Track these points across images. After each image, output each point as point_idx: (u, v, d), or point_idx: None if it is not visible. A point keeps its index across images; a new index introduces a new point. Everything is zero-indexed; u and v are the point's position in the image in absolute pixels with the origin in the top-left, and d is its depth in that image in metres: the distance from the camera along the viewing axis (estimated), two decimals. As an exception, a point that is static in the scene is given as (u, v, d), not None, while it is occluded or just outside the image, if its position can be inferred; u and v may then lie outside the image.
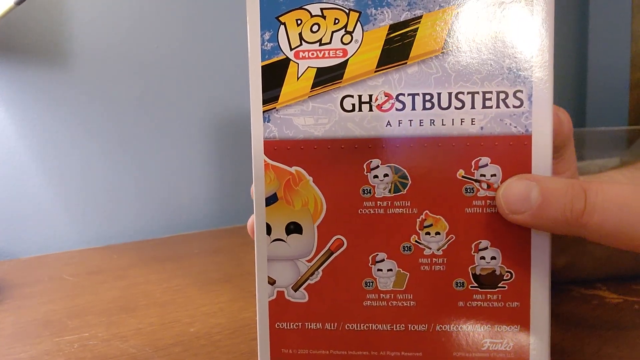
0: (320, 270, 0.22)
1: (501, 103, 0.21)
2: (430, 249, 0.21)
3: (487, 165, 0.21)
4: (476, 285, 0.21)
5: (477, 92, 0.21)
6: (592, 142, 0.83)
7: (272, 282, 0.22)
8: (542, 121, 0.21)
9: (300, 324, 0.22)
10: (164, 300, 0.39)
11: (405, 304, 0.22)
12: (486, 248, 0.21)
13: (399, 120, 0.21)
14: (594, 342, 0.28)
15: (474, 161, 0.21)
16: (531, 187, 0.19)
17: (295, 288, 0.22)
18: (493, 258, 0.21)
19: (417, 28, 0.21)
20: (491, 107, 0.21)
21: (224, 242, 0.60)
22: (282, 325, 0.22)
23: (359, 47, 0.21)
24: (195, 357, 0.29)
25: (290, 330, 0.22)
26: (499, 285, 0.21)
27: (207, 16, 0.72)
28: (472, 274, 0.21)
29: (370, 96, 0.21)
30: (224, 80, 0.74)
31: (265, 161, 0.22)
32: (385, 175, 0.21)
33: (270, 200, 0.22)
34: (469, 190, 0.21)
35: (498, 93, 0.21)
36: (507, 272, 0.21)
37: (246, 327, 0.33)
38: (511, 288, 0.21)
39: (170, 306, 0.37)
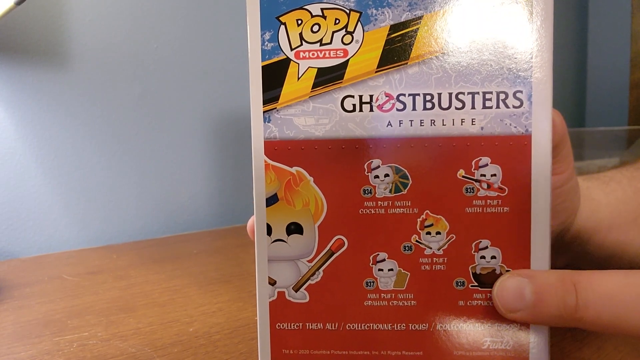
0: (321, 270, 0.22)
1: (501, 103, 0.21)
2: (431, 248, 0.21)
3: (487, 165, 0.21)
4: (476, 284, 0.21)
5: (478, 93, 0.21)
6: (591, 142, 0.83)
7: (272, 282, 0.22)
8: (541, 121, 0.21)
9: (300, 324, 0.22)
10: (163, 300, 0.39)
11: (406, 304, 0.22)
12: (486, 247, 0.21)
13: (400, 121, 0.21)
14: (594, 342, 0.29)
15: (474, 161, 0.21)
16: (524, 285, 0.19)
17: (296, 288, 0.22)
18: (493, 257, 0.21)
19: (418, 28, 0.21)
20: (491, 107, 0.21)
21: (224, 242, 0.60)
22: (282, 325, 0.22)
23: (359, 47, 0.21)
24: (194, 356, 0.29)
25: (291, 330, 0.22)
26: None
27: (206, 16, 0.72)
28: (472, 273, 0.21)
29: (371, 96, 0.21)
30: (223, 81, 0.74)
31: (265, 161, 0.22)
32: (386, 175, 0.21)
33: (271, 200, 0.22)
34: (469, 190, 0.21)
35: (498, 93, 0.21)
36: (507, 271, 0.21)
37: (245, 327, 0.33)
38: None
39: (170, 306, 0.37)
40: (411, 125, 0.21)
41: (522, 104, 0.21)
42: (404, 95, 0.21)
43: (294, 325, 0.22)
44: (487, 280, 0.21)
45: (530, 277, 0.20)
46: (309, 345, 0.22)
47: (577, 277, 0.19)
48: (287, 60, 0.21)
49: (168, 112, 0.69)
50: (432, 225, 0.21)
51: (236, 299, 0.39)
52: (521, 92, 0.21)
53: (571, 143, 0.29)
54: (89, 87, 0.63)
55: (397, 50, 0.21)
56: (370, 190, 0.21)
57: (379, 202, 0.21)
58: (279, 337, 0.22)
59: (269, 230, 0.22)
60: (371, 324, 0.22)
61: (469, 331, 0.21)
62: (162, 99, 0.69)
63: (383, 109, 0.21)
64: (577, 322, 0.19)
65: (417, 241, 0.21)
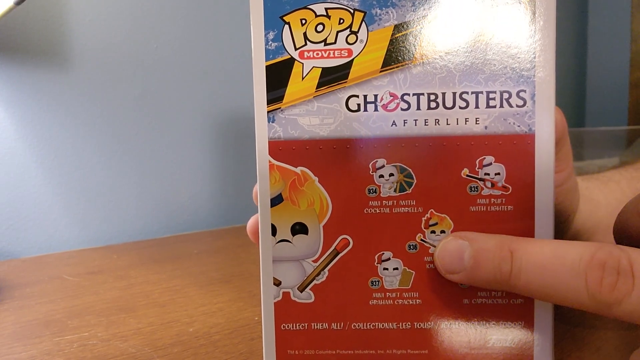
0: (326, 270, 0.22)
1: (505, 103, 0.21)
2: (436, 247, 0.21)
3: (491, 164, 0.21)
4: None
5: (481, 92, 0.21)
6: (591, 142, 0.83)
7: (277, 283, 0.22)
8: (544, 120, 0.21)
9: (306, 324, 0.22)
10: (163, 300, 0.39)
11: (411, 302, 0.22)
12: None
13: (404, 120, 0.21)
14: (594, 342, 0.29)
15: (478, 160, 0.21)
16: (464, 248, 0.20)
17: (301, 289, 0.22)
18: None
19: (422, 28, 0.21)
20: (495, 106, 0.21)
21: (224, 242, 0.60)
22: (287, 326, 0.22)
23: (364, 47, 0.21)
24: (195, 357, 0.29)
25: (296, 331, 0.22)
26: None
27: (206, 16, 0.72)
28: None
29: (376, 96, 0.21)
30: (223, 81, 0.74)
31: (270, 162, 0.22)
32: (391, 174, 0.21)
33: (276, 201, 0.22)
34: (473, 189, 0.21)
35: (502, 93, 0.21)
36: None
37: (245, 327, 0.33)
38: None
39: (170, 306, 0.37)
40: (415, 125, 0.21)
41: (525, 103, 0.21)
42: (409, 94, 0.21)
43: (299, 325, 0.22)
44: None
45: (471, 240, 0.20)
46: (315, 346, 0.22)
47: (515, 245, 0.19)
48: (292, 60, 0.21)
49: (168, 112, 0.69)
50: (436, 224, 0.21)
51: (237, 299, 0.39)
52: (524, 91, 0.21)
53: (571, 143, 0.30)
54: (89, 87, 0.63)
55: (401, 50, 0.21)
56: (375, 189, 0.21)
57: (384, 201, 0.21)
58: (284, 337, 0.22)
59: (274, 231, 0.22)
60: (376, 323, 0.22)
61: (474, 329, 0.21)
62: (162, 99, 0.69)
63: (387, 108, 0.21)
64: (510, 288, 0.19)
65: (422, 240, 0.21)
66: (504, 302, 0.21)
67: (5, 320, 0.35)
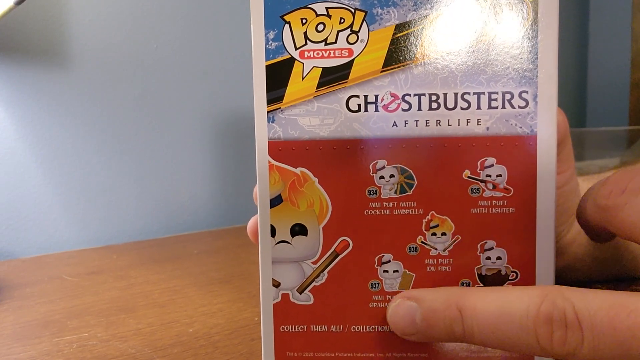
0: (325, 272, 0.22)
1: (507, 103, 0.21)
2: (436, 249, 0.21)
3: (492, 165, 0.21)
4: (482, 285, 0.21)
5: (483, 93, 0.21)
6: (592, 142, 0.83)
7: (276, 284, 0.22)
8: (547, 121, 0.21)
9: (305, 326, 0.22)
10: (163, 300, 0.39)
11: None
12: (492, 248, 0.21)
13: (405, 121, 0.21)
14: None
15: (479, 161, 0.21)
16: (413, 310, 0.20)
17: (301, 290, 0.22)
18: (499, 258, 0.21)
19: (423, 28, 0.21)
20: (497, 107, 0.21)
21: (224, 243, 0.60)
22: (286, 328, 0.22)
23: (364, 46, 0.21)
24: (194, 357, 0.29)
25: (295, 333, 0.22)
26: (505, 285, 0.21)
27: (207, 16, 0.72)
28: (477, 274, 0.21)
29: (376, 96, 0.21)
30: (223, 81, 0.74)
31: (269, 162, 0.21)
32: (392, 175, 0.21)
33: (275, 201, 0.22)
34: (474, 191, 0.21)
35: (504, 94, 0.21)
36: (513, 272, 0.21)
37: (245, 327, 0.33)
38: None
39: (170, 306, 0.37)
40: (417, 126, 0.21)
41: (527, 104, 0.21)
42: (410, 95, 0.21)
43: (298, 327, 0.22)
44: (492, 281, 0.21)
45: (419, 301, 0.20)
46: (314, 348, 0.22)
47: (462, 302, 0.19)
48: (292, 60, 0.21)
49: (168, 112, 0.69)
50: (437, 226, 0.21)
51: (236, 299, 0.39)
52: (527, 92, 0.21)
53: (572, 143, 0.29)
54: (89, 87, 0.63)
55: (402, 50, 0.21)
56: (376, 190, 0.21)
57: (384, 202, 0.21)
58: (283, 339, 0.22)
59: (273, 232, 0.22)
60: (376, 326, 0.22)
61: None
62: (162, 99, 0.69)
63: (388, 109, 0.21)
64: (467, 343, 0.19)
65: (422, 242, 0.21)
66: None
67: (4, 321, 0.35)
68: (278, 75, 0.21)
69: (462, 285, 0.21)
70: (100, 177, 0.64)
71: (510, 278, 0.21)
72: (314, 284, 0.22)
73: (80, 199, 0.63)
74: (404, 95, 0.21)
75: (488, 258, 0.21)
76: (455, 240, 0.21)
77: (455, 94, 0.21)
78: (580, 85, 1.33)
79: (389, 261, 0.21)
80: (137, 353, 0.29)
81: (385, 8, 0.21)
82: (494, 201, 0.21)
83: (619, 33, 1.25)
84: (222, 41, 0.73)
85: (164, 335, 0.32)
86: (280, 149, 0.21)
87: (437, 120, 0.21)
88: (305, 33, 0.21)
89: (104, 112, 0.64)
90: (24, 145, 0.58)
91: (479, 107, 0.21)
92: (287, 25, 0.21)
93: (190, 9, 0.70)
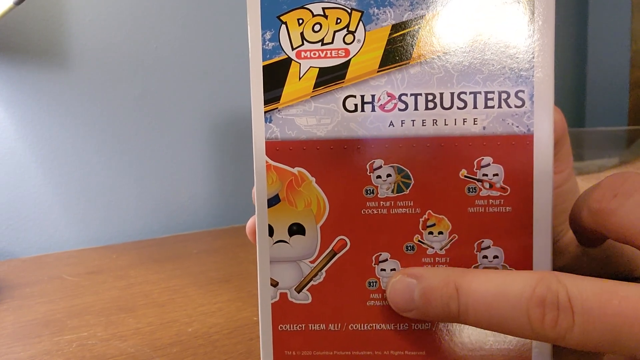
0: (323, 271, 0.22)
1: (503, 103, 0.21)
2: (433, 248, 0.21)
3: (489, 165, 0.21)
4: None
5: (480, 92, 0.21)
6: (591, 142, 0.83)
7: (274, 284, 0.22)
8: (543, 121, 0.21)
9: (303, 325, 0.22)
10: (162, 300, 0.39)
11: None
12: (489, 247, 0.21)
13: (402, 121, 0.21)
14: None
15: (476, 161, 0.21)
16: (412, 287, 0.20)
17: (299, 289, 0.22)
18: (495, 257, 0.21)
19: (420, 28, 0.21)
20: (493, 107, 0.21)
21: (223, 242, 0.60)
22: (285, 327, 0.22)
23: (361, 47, 0.21)
24: (194, 356, 0.29)
25: (294, 332, 0.22)
26: None
27: (207, 16, 0.72)
28: None
29: (373, 96, 0.21)
30: (223, 81, 0.74)
31: (267, 162, 0.22)
32: (388, 175, 0.21)
33: (273, 201, 0.22)
34: (471, 190, 0.21)
35: (500, 93, 0.21)
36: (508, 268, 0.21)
37: (244, 327, 0.33)
38: None
39: (169, 306, 0.37)
40: (413, 125, 0.21)
41: (524, 103, 0.21)
42: (406, 95, 0.21)
43: (296, 326, 0.22)
44: (489, 280, 0.21)
45: (419, 278, 0.20)
46: (312, 347, 0.22)
47: (460, 280, 0.19)
48: (289, 60, 0.21)
49: (168, 112, 0.69)
50: (434, 225, 0.21)
51: (236, 299, 0.39)
52: (523, 91, 0.21)
53: (571, 143, 0.29)
54: (89, 87, 0.63)
55: (399, 50, 0.21)
56: (373, 190, 0.21)
57: (381, 202, 0.21)
58: (281, 338, 0.22)
59: (271, 231, 0.22)
60: (374, 324, 0.22)
61: (472, 331, 0.21)
62: (162, 99, 0.69)
63: (385, 108, 0.21)
64: (462, 323, 0.20)
65: (419, 241, 0.21)
66: None
67: (4, 320, 0.35)
68: (275, 76, 0.21)
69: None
70: (100, 177, 0.64)
71: (507, 277, 0.21)
72: (312, 283, 0.22)
73: (80, 199, 0.63)
74: (400, 95, 0.21)
75: (485, 257, 0.21)
76: (452, 239, 0.21)
77: (452, 94, 0.21)
78: (579, 85, 1.33)
79: (386, 260, 0.22)
80: (137, 352, 0.29)
81: (381, 8, 0.21)
82: (490, 200, 0.21)
83: (618, 33, 1.24)
84: (222, 41, 0.74)
85: (163, 335, 0.32)
86: (277, 149, 0.21)
87: (433, 120, 0.21)
88: (301, 33, 0.21)
89: (104, 112, 0.64)
90: (24, 145, 0.59)
91: (475, 107, 0.21)
92: (283, 26, 0.21)
93: (190, 9, 0.70)
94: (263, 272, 0.22)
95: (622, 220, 0.19)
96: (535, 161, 0.21)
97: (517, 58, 0.21)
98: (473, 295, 0.19)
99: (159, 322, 0.34)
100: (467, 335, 0.21)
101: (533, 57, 0.21)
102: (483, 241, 0.21)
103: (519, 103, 0.21)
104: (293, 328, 0.22)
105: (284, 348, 0.22)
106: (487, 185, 0.21)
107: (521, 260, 0.21)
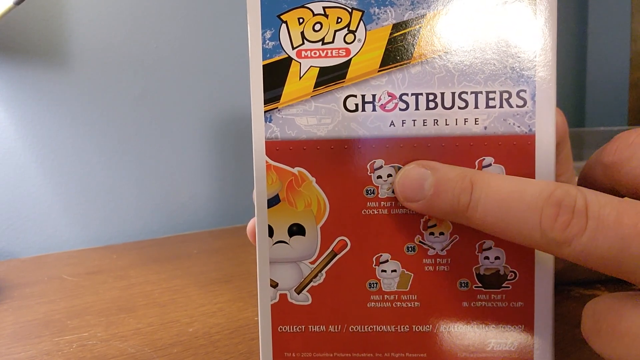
0: (323, 272, 0.22)
1: (504, 103, 0.21)
2: (434, 249, 0.21)
3: (490, 165, 0.21)
4: (480, 285, 0.21)
5: (481, 92, 0.21)
6: (591, 142, 0.83)
7: (274, 284, 0.22)
8: (545, 121, 0.21)
9: (303, 326, 0.22)
10: (163, 300, 0.39)
11: (409, 305, 0.22)
12: (490, 248, 0.21)
13: (403, 120, 0.21)
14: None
15: (477, 161, 0.21)
16: (426, 176, 0.20)
17: (298, 290, 0.22)
18: (497, 258, 0.21)
19: (420, 27, 0.21)
20: (495, 106, 0.21)
21: (224, 243, 0.60)
22: (284, 328, 0.22)
23: (362, 46, 0.21)
24: (194, 357, 0.29)
25: (293, 333, 0.22)
26: (503, 285, 0.21)
27: (207, 16, 0.72)
28: (476, 274, 0.21)
29: (374, 96, 0.21)
30: (223, 80, 0.74)
31: (267, 162, 0.21)
32: (389, 175, 0.21)
33: (272, 201, 0.22)
34: None
35: (501, 93, 0.21)
36: (511, 272, 0.21)
37: (245, 327, 0.33)
38: (515, 288, 0.21)
39: (170, 306, 0.37)
40: (414, 125, 0.21)
41: (525, 103, 0.21)
42: (407, 94, 0.21)
43: (296, 327, 0.22)
44: (491, 281, 0.21)
45: (433, 169, 0.20)
46: (312, 348, 0.22)
47: (477, 177, 0.19)
48: (289, 59, 0.21)
49: (168, 112, 0.69)
50: (435, 225, 0.21)
51: (236, 299, 0.39)
52: (525, 91, 0.21)
53: (571, 143, 0.29)
54: (89, 87, 0.63)
55: (399, 50, 0.21)
56: (373, 190, 0.21)
57: (382, 202, 0.21)
58: (281, 340, 0.22)
59: (271, 232, 0.22)
60: (374, 326, 0.22)
61: (473, 332, 0.21)
62: (162, 99, 0.69)
63: (386, 108, 0.21)
64: (466, 220, 0.19)
65: (420, 242, 0.21)
66: (503, 305, 0.21)
67: (4, 321, 0.35)
68: (275, 75, 0.21)
69: (460, 285, 0.21)
70: (100, 177, 0.64)
71: (509, 278, 0.21)
72: (312, 284, 0.22)
73: (80, 199, 0.63)
74: (401, 95, 0.21)
75: (486, 258, 0.21)
76: (453, 240, 0.21)
77: (453, 93, 0.21)
78: (579, 85, 1.33)
79: (387, 261, 0.21)
80: (137, 353, 0.29)
81: (382, 7, 0.21)
82: None
83: (618, 33, 1.24)
84: (222, 41, 0.73)
85: (164, 335, 0.32)
86: (277, 149, 0.21)
87: (434, 120, 0.21)
88: (302, 32, 0.21)
89: (104, 112, 0.64)
90: (24, 145, 0.58)
91: (476, 107, 0.21)
92: (284, 25, 0.21)
93: (190, 9, 0.70)
94: (263, 273, 0.22)
95: (634, 170, 0.19)
96: (536, 161, 0.21)
97: (519, 57, 0.20)
98: (487, 190, 0.18)
99: (159, 323, 0.34)
100: (469, 337, 0.21)
101: (535, 57, 0.20)
102: (484, 242, 0.21)
103: (521, 103, 0.21)
104: (293, 329, 0.22)
105: (284, 349, 0.22)
106: None
107: (523, 261, 0.21)
